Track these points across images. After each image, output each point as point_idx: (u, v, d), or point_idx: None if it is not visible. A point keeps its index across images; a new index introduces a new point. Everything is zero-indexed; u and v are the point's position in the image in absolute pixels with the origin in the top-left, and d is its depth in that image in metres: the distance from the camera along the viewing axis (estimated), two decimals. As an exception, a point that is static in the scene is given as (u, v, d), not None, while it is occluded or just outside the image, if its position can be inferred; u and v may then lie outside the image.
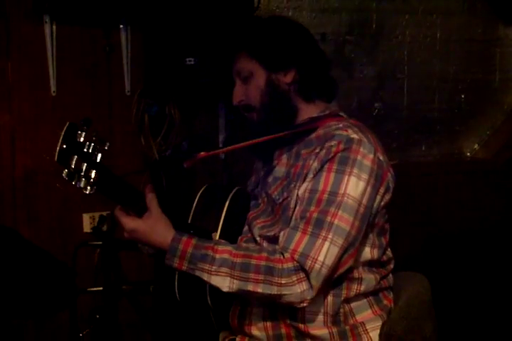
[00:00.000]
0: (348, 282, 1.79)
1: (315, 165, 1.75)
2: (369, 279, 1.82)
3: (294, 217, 1.74)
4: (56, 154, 1.50)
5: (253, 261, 1.67)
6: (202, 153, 1.92)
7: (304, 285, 1.65)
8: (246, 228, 1.94)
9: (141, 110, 2.86)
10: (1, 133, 2.72)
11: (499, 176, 3.63)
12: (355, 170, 1.71)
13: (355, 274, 1.80)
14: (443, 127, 3.68)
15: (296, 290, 1.65)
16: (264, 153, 2.00)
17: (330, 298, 1.78)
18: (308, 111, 1.90)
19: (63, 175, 1.52)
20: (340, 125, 1.82)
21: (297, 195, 1.77)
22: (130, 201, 1.73)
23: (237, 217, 1.96)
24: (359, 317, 1.82)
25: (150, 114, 2.87)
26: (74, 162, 1.50)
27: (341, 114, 1.93)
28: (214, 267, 1.68)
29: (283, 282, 1.64)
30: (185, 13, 2.69)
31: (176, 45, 2.75)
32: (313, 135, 1.86)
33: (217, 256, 1.68)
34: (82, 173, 1.51)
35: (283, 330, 1.79)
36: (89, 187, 1.52)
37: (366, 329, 1.81)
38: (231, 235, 1.88)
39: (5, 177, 2.73)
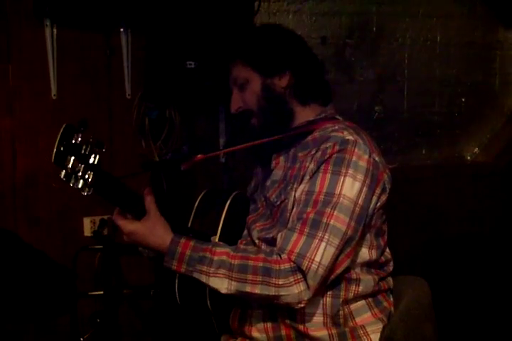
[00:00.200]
0: (346, 283, 1.80)
1: (311, 166, 1.78)
2: (367, 280, 1.83)
3: (291, 219, 1.76)
4: (53, 155, 1.51)
5: (251, 263, 1.69)
6: (199, 155, 1.93)
7: (301, 286, 1.66)
8: (245, 232, 1.96)
9: (141, 113, 2.86)
10: (2, 136, 2.72)
11: (499, 179, 3.63)
12: (350, 171, 1.73)
13: (353, 275, 1.81)
14: (443, 130, 3.69)
15: (294, 290, 1.66)
16: (262, 157, 2.02)
17: (328, 299, 1.79)
18: (304, 114, 1.93)
19: (61, 175, 1.54)
20: (336, 127, 1.84)
21: (294, 196, 1.79)
22: (128, 203, 1.73)
23: (236, 220, 1.97)
24: (359, 320, 1.83)
25: (150, 118, 2.87)
26: (71, 163, 1.53)
27: (337, 117, 1.95)
28: (212, 269, 1.69)
29: (280, 283, 1.66)
30: (186, 16, 2.69)
31: (177, 48, 2.75)
32: (310, 137, 1.88)
33: (215, 257, 1.70)
34: (79, 174, 1.54)
35: (283, 332, 1.80)
36: (86, 189, 1.54)
37: (366, 332, 1.82)
38: (230, 239, 1.89)
39: (5, 180, 2.73)
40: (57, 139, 1.53)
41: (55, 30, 2.73)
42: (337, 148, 1.75)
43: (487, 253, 3.55)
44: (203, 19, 2.70)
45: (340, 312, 1.80)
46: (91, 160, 1.56)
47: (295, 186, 1.80)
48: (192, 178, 2.88)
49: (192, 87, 2.76)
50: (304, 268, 1.65)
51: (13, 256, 2.59)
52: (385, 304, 1.90)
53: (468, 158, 3.79)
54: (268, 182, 1.94)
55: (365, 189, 1.74)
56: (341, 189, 1.71)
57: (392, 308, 1.93)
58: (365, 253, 1.83)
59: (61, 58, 2.76)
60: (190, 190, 2.85)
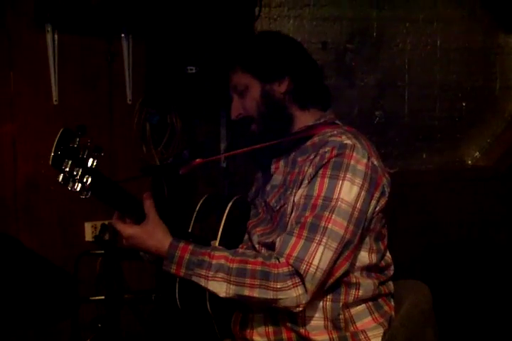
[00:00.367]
0: (346, 287, 1.80)
1: (310, 171, 1.78)
2: (367, 284, 1.83)
3: (289, 223, 1.76)
4: (50, 158, 1.53)
5: (249, 266, 1.69)
6: (198, 159, 1.93)
7: (299, 290, 1.66)
8: (246, 236, 1.96)
9: (142, 119, 2.87)
10: (3, 142, 2.73)
11: (500, 183, 3.63)
12: (348, 175, 1.73)
13: (353, 279, 1.81)
14: (444, 135, 3.69)
15: (292, 294, 1.66)
16: (261, 162, 2.03)
17: (328, 303, 1.79)
18: (303, 119, 1.93)
19: (59, 179, 1.55)
20: (335, 132, 1.85)
21: (293, 201, 1.80)
22: (127, 207, 1.74)
23: (236, 225, 1.97)
24: (359, 325, 1.83)
25: (151, 123, 2.88)
26: (68, 166, 1.54)
27: (337, 121, 1.95)
28: (211, 272, 1.70)
29: (278, 286, 1.66)
30: (187, 21, 2.70)
31: (177, 53, 2.76)
32: (309, 142, 1.89)
33: (214, 261, 1.71)
34: (77, 178, 1.55)
35: (284, 335, 1.80)
36: (84, 192, 1.56)
37: (368, 336, 1.82)
38: (230, 243, 1.89)
39: (7, 185, 2.74)
40: (55, 143, 1.54)
41: (56, 36, 2.75)
42: (335, 152, 1.76)
43: (488, 258, 3.55)
44: (204, 24, 2.71)
45: (341, 317, 1.80)
46: (89, 164, 1.57)
47: (294, 191, 1.81)
48: (193, 183, 2.88)
49: (193, 92, 2.77)
50: (302, 272, 1.65)
51: (14, 261, 2.59)
52: (386, 308, 1.90)
53: (469, 162, 3.79)
54: (268, 187, 1.95)
55: (363, 193, 1.74)
56: (339, 193, 1.72)
57: (393, 313, 1.92)
58: (364, 257, 1.83)
59: (62, 64, 2.77)
60: (191, 194, 2.86)
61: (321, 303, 1.78)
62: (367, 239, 1.83)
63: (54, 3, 2.61)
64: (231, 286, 1.69)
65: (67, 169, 1.55)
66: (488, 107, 3.77)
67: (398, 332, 1.86)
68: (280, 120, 1.91)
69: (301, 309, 1.70)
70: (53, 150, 1.54)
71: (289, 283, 1.66)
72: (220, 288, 1.70)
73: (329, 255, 1.68)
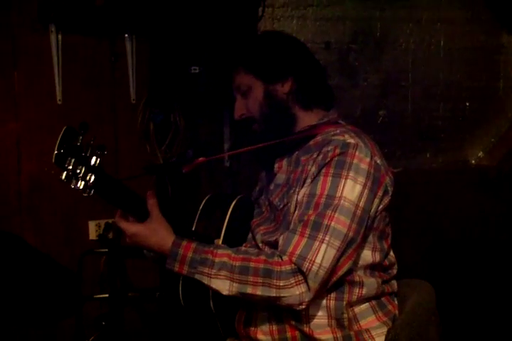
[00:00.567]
0: (349, 286, 1.80)
1: (313, 170, 1.78)
2: (370, 283, 1.83)
3: (292, 221, 1.76)
4: (53, 156, 1.53)
5: (252, 264, 1.69)
6: (201, 158, 1.94)
7: (302, 288, 1.66)
8: (250, 235, 1.97)
9: (146, 118, 2.88)
10: (8, 141, 2.74)
11: (504, 183, 3.63)
12: (351, 174, 1.73)
13: (356, 278, 1.81)
14: (447, 135, 3.69)
15: (295, 292, 1.66)
16: (265, 161, 2.03)
17: (332, 302, 1.79)
18: (306, 119, 1.93)
19: (62, 177, 1.56)
20: (338, 131, 1.85)
21: (296, 199, 1.79)
22: (130, 205, 1.75)
23: (240, 224, 1.97)
24: (363, 323, 1.82)
25: (155, 122, 2.88)
26: (71, 165, 1.55)
27: (340, 121, 1.96)
28: (213, 270, 1.70)
29: (281, 284, 1.66)
30: (190, 22, 2.71)
31: (181, 53, 2.77)
32: (312, 141, 1.89)
33: (217, 259, 1.71)
34: (80, 176, 1.55)
35: (288, 334, 1.80)
36: (87, 190, 1.57)
37: (372, 335, 1.82)
38: (234, 242, 1.89)
39: (11, 184, 2.75)
40: (58, 141, 1.55)
41: (60, 36, 2.76)
42: (338, 151, 1.76)
43: (492, 257, 3.54)
44: (207, 24, 2.71)
45: (345, 315, 1.79)
46: (92, 162, 1.58)
47: (297, 189, 1.81)
48: (197, 182, 2.89)
49: (196, 92, 2.77)
50: (305, 270, 1.65)
51: (19, 259, 2.60)
52: (390, 307, 1.90)
53: (473, 162, 3.79)
54: (271, 186, 1.95)
55: (366, 191, 1.74)
56: (342, 191, 1.72)
57: (397, 312, 1.92)
58: (368, 256, 1.82)
59: (66, 63, 2.78)
60: (194, 193, 2.86)
61: (324, 302, 1.78)
62: (370, 238, 1.82)
63: (58, 4, 2.62)
64: (234, 284, 1.69)
65: (70, 167, 1.56)
66: (492, 107, 3.76)
67: (402, 330, 1.85)
68: (283, 120, 1.91)
69: (303, 307, 1.70)
70: (56, 148, 1.55)
71: (292, 280, 1.66)
72: (223, 285, 1.70)
73: (332, 253, 1.68)
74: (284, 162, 1.95)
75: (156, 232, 1.74)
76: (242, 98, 1.94)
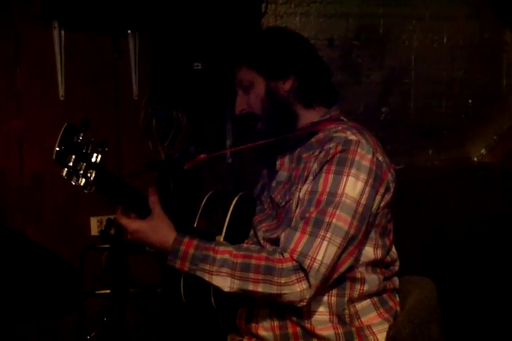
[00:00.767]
0: (350, 282, 1.80)
1: (315, 167, 1.78)
2: (372, 279, 1.83)
3: (294, 218, 1.77)
4: (54, 153, 1.54)
5: (253, 261, 1.70)
6: (202, 155, 1.94)
7: (303, 285, 1.67)
8: (252, 232, 1.97)
9: (148, 114, 2.88)
10: (10, 137, 2.74)
11: (506, 180, 3.63)
12: (353, 171, 1.73)
13: (358, 274, 1.81)
14: (450, 132, 3.68)
15: (296, 289, 1.67)
16: (266, 158, 2.03)
17: (334, 298, 1.79)
18: (308, 116, 1.93)
19: (63, 174, 1.56)
20: (340, 128, 1.85)
21: (298, 197, 1.80)
22: (131, 202, 1.75)
23: (242, 221, 1.98)
24: (365, 320, 1.83)
25: (158, 119, 2.88)
26: (72, 161, 1.55)
27: (342, 118, 1.95)
28: (215, 267, 1.71)
29: (282, 281, 1.66)
30: (193, 18, 2.70)
31: (184, 50, 2.76)
32: (314, 138, 1.89)
33: (218, 256, 1.71)
34: (81, 172, 1.56)
35: (290, 330, 1.81)
36: (88, 187, 1.58)
37: (373, 332, 1.82)
38: (236, 239, 1.89)
39: (13, 181, 2.75)
40: (59, 138, 1.55)
41: (63, 32, 2.76)
42: (340, 148, 1.76)
43: (494, 254, 3.54)
44: (211, 21, 2.71)
45: (346, 312, 1.80)
46: (93, 159, 1.58)
47: (299, 186, 1.81)
48: (199, 179, 2.89)
49: (199, 88, 2.77)
50: (306, 267, 1.66)
51: (21, 255, 2.60)
52: (391, 304, 1.90)
53: (475, 159, 3.78)
54: (273, 184, 1.95)
55: (368, 188, 1.74)
56: (344, 188, 1.72)
57: (398, 308, 1.92)
58: (370, 253, 1.83)
59: (69, 60, 2.78)
60: (196, 190, 2.86)
61: (326, 298, 1.79)
62: (372, 235, 1.83)
63: (61, 0, 2.62)
64: (235, 281, 1.70)
65: (71, 164, 1.56)
66: (495, 104, 3.76)
67: (403, 327, 1.85)
68: (284, 118, 1.91)
69: (304, 304, 1.70)
70: (57, 145, 1.55)
71: (293, 277, 1.67)
72: (224, 282, 1.70)
73: (333, 250, 1.68)
74: (286, 159, 1.95)
75: (157, 229, 1.75)
76: (243, 93, 1.94)
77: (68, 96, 2.80)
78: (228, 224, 1.93)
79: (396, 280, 1.96)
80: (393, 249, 1.95)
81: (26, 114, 2.75)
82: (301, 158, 1.88)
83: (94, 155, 1.58)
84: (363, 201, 1.73)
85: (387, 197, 1.83)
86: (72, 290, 2.51)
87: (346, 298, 1.80)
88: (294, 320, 1.80)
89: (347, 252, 1.72)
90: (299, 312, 1.79)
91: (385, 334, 1.83)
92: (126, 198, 1.74)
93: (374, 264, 1.86)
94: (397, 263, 1.97)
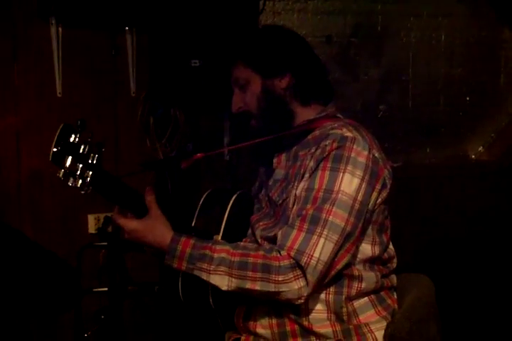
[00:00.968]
0: (348, 279, 1.81)
1: (311, 164, 1.79)
2: (369, 277, 1.84)
3: (291, 216, 1.77)
4: (50, 154, 1.53)
5: (250, 260, 1.70)
6: (199, 154, 1.94)
7: (301, 282, 1.67)
8: (250, 231, 1.97)
9: (146, 112, 2.87)
10: (7, 135, 2.74)
11: (504, 178, 3.63)
12: (349, 167, 1.73)
13: (355, 272, 1.81)
14: (448, 129, 3.69)
15: (294, 286, 1.67)
16: (263, 157, 2.03)
17: (331, 296, 1.80)
18: (305, 114, 1.93)
19: (59, 175, 1.55)
20: (336, 125, 1.85)
21: (295, 194, 1.80)
22: (129, 202, 1.75)
23: (239, 219, 1.98)
24: (362, 318, 1.83)
25: (155, 116, 2.88)
26: (68, 162, 1.55)
27: (338, 115, 1.95)
28: (212, 266, 1.71)
29: (280, 279, 1.67)
30: (190, 15, 2.70)
31: (181, 46, 2.76)
32: (310, 136, 1.89)
33: (216, 255, 1.72)
34: (78, 174, 1.56)
35: (288, 328, 1.81)
36: (85, 188, 1.57)
37: (371, 329, 1.82)
38: (233, 238, 1.90)
39: (10, 178, 2.74)
40: (55, 139, 1.55)
41: (60, 29, 2.75)
42: (335, 145, 1.76)
43: (492, 252, 3.55)
44: (208, 18, 2.71)
45: (344, 310, 1.80)
46: (89, 160, 1.58)
47: (296, 184, 1.81)
48: (196, 176, 2.89)
49: (197, 85, 2.77)
50: (303, 264, 1.66)
51: (18, 253, 2.60)
52: (389, 302, 1.90)
53: (473, 156, 3.79)
54: (270, 182, 1.95)
55: (364, 185, 1.74)
56: (340, 185, 1.72)
57: (396, 306, 1.93)
58: (367, 250, 1.83)
59: (66, 56, 2.77)
60: (194, 188, 2.86)
61: (323, 296, 1.79)
62: (369, 231, 1.83)
63: (58, -4, 2.62)
64: (233, 279, 1.70)
65: (68, 165, 1.56)
66: (492, 102, 3.77)
67: (401, 325, 1.85)
68: (281, 115, 1.92)
69: (302, 301, 1.71)
70: (53, 146, 1.55)
71: (291, 275, 1.67)
72: (222, 281, 1.71)
73: (330, 247, 1.68)
74: (283, 157, 1.95)
75: (154, 229, 1.75)
76: (240, 92, 1.94)
77: (66, 92, 2.79)
78: (226, 222, 1.93)
79: (394, 277, 1.97)
80: (390, 246, 1.95)
81: (24, 110, 2.74)
82: (298, 156, 1.88)
83: (91, 155, 1.58)
84: (360, 197, 1.74)
85: (384, 193, 1.83)
86: (70, 288, 2.50)
87: (344, 296, 1.80)
88: (291, 318, 1.80)
89: (344, 249, 1.72)
90: (296, 310, 1.79)
91: (382, 332, 1.84)
92: (123, 198, 1.73)
93: (371, 261, 1.86)
94: (395, 260, 1.97)
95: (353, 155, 1.75)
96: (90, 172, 1.56)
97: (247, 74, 1.90)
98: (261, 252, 1.71)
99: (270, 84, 1.90)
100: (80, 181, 1.57)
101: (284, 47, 1.92)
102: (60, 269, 2.53)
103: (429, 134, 3.64)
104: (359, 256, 1.82)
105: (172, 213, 1.80)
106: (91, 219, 2.84)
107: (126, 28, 2.85)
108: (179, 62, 2.76)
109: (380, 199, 1.82)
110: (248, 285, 1.69)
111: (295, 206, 1.78)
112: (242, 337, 1.88)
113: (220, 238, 1.90)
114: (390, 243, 1.95)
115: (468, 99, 3.70)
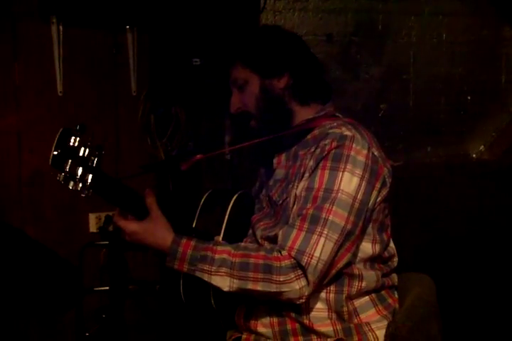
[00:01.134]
0: (348, 278, 1.81)
1: (311, 164, 1.79)
2: (370, 276, 1.84)
3: (291, 215, 1.77)
4: (50, 158, 1.53)
5: (251, 260, 1.71)
6: (198, 155, 1.94)
7: (302, 282, 1.68)
8: (250, 231, 1.98)
9: (147, 110, 2.87)
10: (8, 134, 2.74)
11: (505, 177, 3.63)
12: (348, 166, 1.74)
13: (355, 271, 1.82)
14: (448, 128, 3.69)
15: (295, 286, 1.68)
16: (263, 157, 2.03)
17: (332, 295, 1.80)
18: (303, 113, 1.94)
19: (59, 178, 1.56)
20: (335, 124, 1.85)
21: (295, 194, 1.80)
22: (129, 204, 1.75)
23: (240, 220, 1.98)
24: (363, 317, 1.84)
25: (156, 115, 2.88)
26: (69, 166, 1.56)
27: (337, 114, 1.96)
28: (214, 267, 1.72)
29: (281, 279, 1.68)
30: (191, 14, 2.70)
31: (182, 45, 2.76)
32: (310, 135, 1.90)
33: (217, 256, 1.72)
34: (78, 177, 1.57)
35: (289, 326, 1.82)
36: (85, 191, 1.58)
37: (371, 328, 1.83)
38: (234, 238, 1.90)
39: (11, 177, 2.75)
40: (54, 143, 1.55)
41: (61, 28, 2.75)
42: (335, 144, 1.76)
43: (493, 251, 3.55)
44: (209, 16, 2.71)
45: (345, 309, 1.80)
46: (89, 163, 1.58)
47: (296, 184, 1.82)
48: (197, 176, 2.88)
49: (198, 84, 2.77)
50: (304, 264, 1.67)
51: (19, 251, 2.60)
52: (390, 301, 1.90)
53: (474, 155, 3.79)
54: (271, 182, 1.96)
55: (364, 183, 1.75)
56: (339, 184, 1.73)
57: (397, 305, 1.93)
58: (368, 248, 1.83)
59: (67, 55, 2.77)
60: (195, 188, 2.86)
61: (324, 295, 1.80)
62: (370, 230, 1.83)
63: (59, -5, 2.62)
64: (234, 280, 1.71)
65: (68, 169, 1.56)
66: (493, 101, 3.76)
67: (402, 324, 1.85)
68: (279, 115, 1.92)
69: (303, 301, 1.72)
70: (53, 150, 1.55)
71: (292, 275, 1.68)
72: (224, 282, 1.72)
73: (330, 246, 1.69)
74: (283, 157, 1.96)
75: (155, 230, 1.76)
76: (238, 92, 1.95)
77: (66, 92, 2.79)
78: (227, 223, 1.93)
79: (395, 277, 1.97)
80: (391, 244, 1.96)
81: (25, 110, 2.75)
82: (298, 156, 1.89)
83: (91, 158, 1.58)
84: (359, 196, 1.74)
85: (384, 192, 1.83)
86: (71, 287, 2.51)
87: (344, 295, 1.81)
88: (292, 317, 1.81)
89: (344, 248, 1.73)
90: (297, 308, 1.79)
91: (383, 331, 1.84)
92: (124, 201, 1.74)
93: (372, 260, 1.86)
94: (395, 259, 1.98)
95: (352, 154, 1.75)
96: (90, 176, 1.57)
97: (246, 74, 1.91)
98: (262, 253, 1.72)
99: (269, 84, 1.90)
100: (81, 184, 1.57)
101: (282, 47, 1.93)
102: (61, 268, 2.54)
103: (430, 133, 3.63)
104: (359, 254, 1.82)
105: (173, 214, 1.81)
106: (92, 218, 2.84)
107: (127, 26, 2.85)
108: (180, 60, 2.76)
109: (380, 198, 1.82)
110: (250, 285, 1.70)
111: (295, 205, 1.78)
112: (243, 336, 1.88)
113: (221, 239, 1.90)
114: (391, 241, 1.95)
115: (469, 97, 3.69)
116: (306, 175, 1.79)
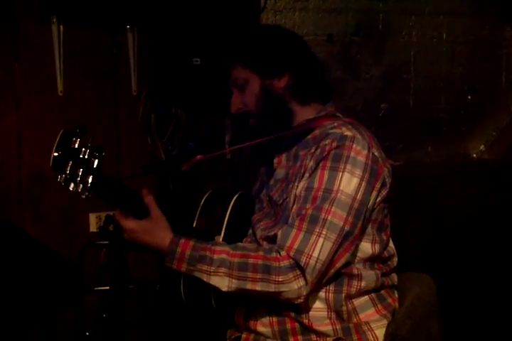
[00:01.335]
0: (348, 278, 1.82)
1: (311, 164, 1.79)
2: (369, 275, 1.84)
3: (291, 215, 1.78)
4: (51, 161, 1.54)
5: (250, 261, 1.71)
6: (198, 156, 1.94)
7: (301, 282, 1.68)
8: (250, 231, 1.98)
9: (147, 110, 2.87)
10: (9, 133, 2.74)
11: (505, 177, 3.63)
12: (348, 167, 1.74)
13: (355, 270, 1.82)
14: (449, 128, 3.68)
15: (294, 286, 1.68)
16: (264, 157, 2.04)
17: (331, 295, 1.81)
18: (304, 113, 1.94)
19: (60, 180, 1.56)
20: (335, 124, 1.85)
21: (295, 194, 1.80)
22: (129, 205, 1.75)
23: (241, 220, 1.98)
24: (363, 316, 1.84)
25: (156, 114, 2.88)
26: (69, 168, 1.56)
27: (337, 114, 1.96)
28: (212, 268, 1.72)
29: (280, 279, 1.68)
30: (192, 13, 2.70)
31: (183, 45, 2.76)
32: (310, 136, 1.90)
33: (215, 256, 1.73)
34: (79, 178, 1.57)
35: (288, 326, 1.82)
36: (86, 192, 1.58)
37: (371, 327, 1.83)
38: (235, 238, 1.90)
39: (12, 176, 2.75)
40: (55, 145, 1.55)
41: (61, 27, 2.75)
42: (335, 144, 1.76)
43: (493, 250, 3.55)
44: (210, 16, 2.71)
45: (344, 308, 1.81)
46: (90, 164, 1.58)
47: (296, 184, 1.82)
48: (198, 176, 2.88)
49: (198, 84, 2.77)
50: (303, 264, 1.67)
51: (20, 251, 2.60)
52: (390, 300, 1.91)
53: (474, 155, 3.78)
54: (271, 182, 1.96)
55: (363, 184, 1.75)
56: (339, 185, 1.73)
57: (397, 305, 1.93)
58: (367, 248, 1.84)
59: (68, 55, 2.77)
60: (196, 188, 2.86)
61: (323, 294, 1.80)
62: (369, 230, 1.84)
63: (59, -5, 2.62)
64: (233, 280, 1.71)
65: (68, 170, 1.56)
66: (494, 100, 3.76)
67: (402, 323, 1.86)
68: (280, 115, 1.92)
69: (302, 300, 1.72)
70: (53, 152, 1.55)
71: (291, 275, 1.68)
72: (222, 282, 1.72)
73: (329, 246, 1.69)
74: (284, 157, 1.96)
75: (154, 230, 1.76)
76: (238, 92, 1.95)
77: (67, 91, 2.79)
78: (227, 223, 1.93)
79: (394, 276, 1.97)
80: (391, 244, 1.96)
81: (25, 109, 2.75)
82: (298, 156, 1.89)
83: (91, 160, 1.58)
84: (359, 197, 1.74)
85: (384, 192, 1.83)
86: (71, 287, 2.51)
87: (344, 295, 1.81)
88: (292, 316, 1.81)
89: (343, 248, 1.73)
90: (297, 308, 1.80)
91: (383, 330, 1.84)
92: (124, 202, 1.74)
93: (371, 260, 1.86)
94: (395, 259, 1.98)
95: (352, 154, 1.75)
96: (91, 177, 1.57)
97: (246, 74, 1.91)
98: (261, 253, 1.72)
99: (269, 84, 1.91)
100: (81, 186, 1.57)
101: (282, 47, 1.93)
102: (61, 268, 2.54)
103: (431, 133, 3.63)
104: (359, 254, 1.83)
105: (173, 214, 1.81)
106: (92, 217, 2.84)
107: (128, 26, 2.85)
108: (180, 60, 2.76)
109: (379, 198, 1.82)
110: (248, 285, 1.71)
111: (295, 205, 1.78)
112: (243, 335, 1.89)
113: (221, 239, 1.90)
114: (391, 241, 1.95)
115: (469, 97, 3.69)
116: (306, 175, 1.79)
